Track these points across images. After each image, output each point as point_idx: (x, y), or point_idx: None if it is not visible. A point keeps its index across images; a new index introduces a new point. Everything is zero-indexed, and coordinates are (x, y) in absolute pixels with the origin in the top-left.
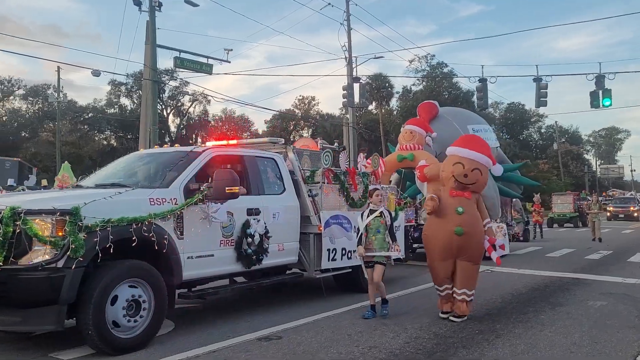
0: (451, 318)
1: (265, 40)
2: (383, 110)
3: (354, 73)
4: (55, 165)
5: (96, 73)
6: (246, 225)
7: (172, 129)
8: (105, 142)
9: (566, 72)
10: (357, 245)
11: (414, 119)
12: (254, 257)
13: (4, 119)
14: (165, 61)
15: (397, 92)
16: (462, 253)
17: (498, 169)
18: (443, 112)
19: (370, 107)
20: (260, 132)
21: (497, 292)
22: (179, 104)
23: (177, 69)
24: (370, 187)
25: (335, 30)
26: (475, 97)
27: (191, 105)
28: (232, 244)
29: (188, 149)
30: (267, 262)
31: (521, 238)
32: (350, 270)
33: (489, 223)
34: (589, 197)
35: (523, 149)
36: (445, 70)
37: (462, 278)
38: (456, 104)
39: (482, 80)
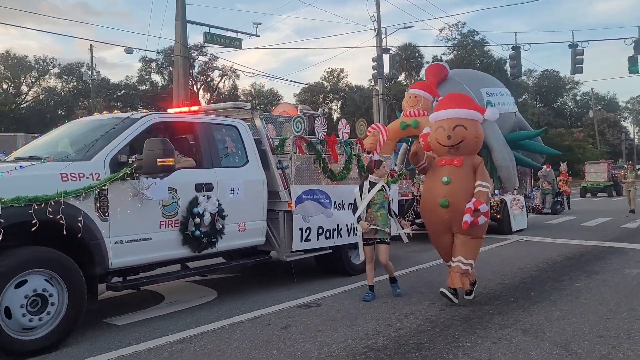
0: (444, 291)
1: (294, 13)
2: (413, 81)
3: (384, 44)
4: None
5: (129, 50)
6: (193, 203)
7: (203, 104)
8: None
9: (603, 37)
10: (358, 221)
11: (420, 82)
12: (205, 239)
13: (41, 98)
14: (195, 37)
15: (427, 62)
16: (456, 226)
17: (492, 113)
18: (453, 75)
19: (400, 78)
20: None
21: (532, 261)
22: (209, 79)
23: (207, 44)
24: (375, 158)
25: (364, 0)
26: (507, 65)
27: (221, 80)
28: (176, 225)
29: (126, 115)
30: (224, 244)
31: (544, 211)
32: (331, 251)
33: (481, 187)
34: (625, 166)
35: (557, 118)
36: (477, 38)
37: (458, 247)
38: (488, 73)
39: (516, 48)
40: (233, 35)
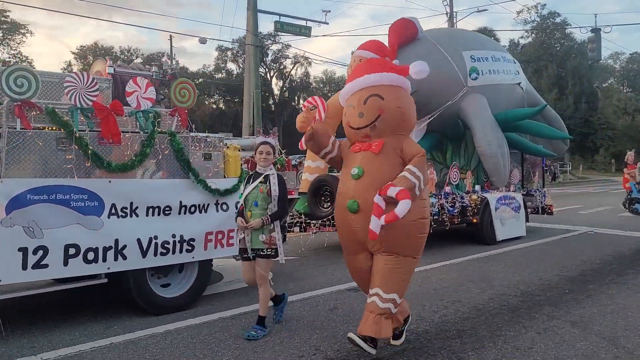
0: (352, 338)
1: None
2: None
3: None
4: None
5: (202, 41)
6: None
7: (276, 91)
8: (214, 106)
9: None
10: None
11: (369, 42)
12: None
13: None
14: (268, 25)
15: (504, 46)
16: (372, 241)
17: (418, 68)
18: (427, 34)
19: None
20: None
21: (597, 253)
22: (282, 67)
23: (278, 33)
24: (260, 140)
25: None
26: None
27: (293, 67)
28: None
29: None
30: None
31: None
32: (106, 280)
33: (408, 173)
34: None
35: None
36: (558, 20)
37: (374, 272)
38: (569, 57)
39: (595, 30)
40: (302, 23)
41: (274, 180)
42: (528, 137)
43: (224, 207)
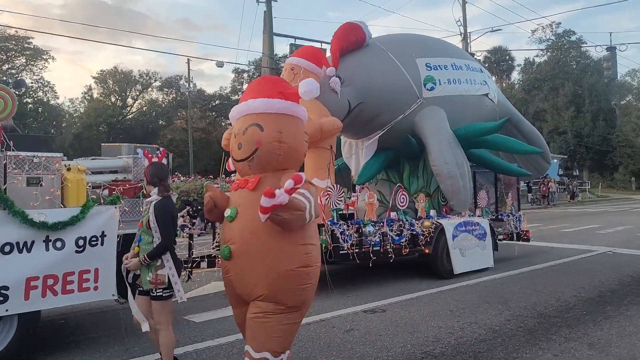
0: None
1: (383, 19)
2: (504, 85)
3: (469, 49)
4: (189, 150)
5: (219, 64)
6: None
7: None
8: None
9: None
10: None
11: (305, 48)
12: None
13: (144, 109)
14: (284, 47)
15: (519, 65)
16: (247, 291)
17: (306, 89)
18: (376, 40)
19: None
20: None
21: (615, 274)
22: None
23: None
24: (156, 159)
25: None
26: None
27: None
28: None
29: None
30: None
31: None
32: None
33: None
34: None
35: None
36: (573, 38)
37: (247, 327)
38: (586, 74)
39: (611, 49)
40: (317, 45)
41: (152, 209)
42: (501, 154)
43: (58, 244)
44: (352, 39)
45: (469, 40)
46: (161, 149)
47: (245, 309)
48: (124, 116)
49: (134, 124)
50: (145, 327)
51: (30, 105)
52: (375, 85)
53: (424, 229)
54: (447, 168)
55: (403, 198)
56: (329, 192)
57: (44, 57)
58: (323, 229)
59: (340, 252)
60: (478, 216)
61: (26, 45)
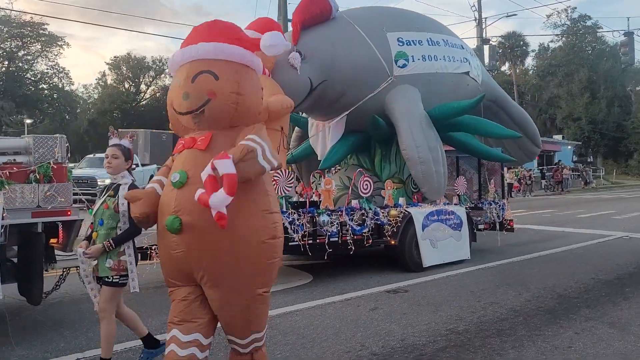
0: None
1: (395, 4)
2: (517, 71)
3: (484, 34)
4: None
5: None
6: None
7: None
8: None
9: None
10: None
11: (259, 20)
12: None
13: (157, 96)
14: None
15: (533, 51)
16: (201, 270)
17: (270, 42)
18: (344, 13)
19: (504, 68)
20: None
21: (633, 258)
22: None
23: None
24: (114, 142)
25: None
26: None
27: None
28: None
29: None
30: None
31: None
32: None
33: (249, 141)
34: None
35: None
36: (589, 23)
37: (231, 316)
38: (601, 60)
39: (628, 34)
40: None
41: (122, 192)
42: (490, 140)
43: None
44: (315, 11)
45: (483, 26)
46: (130, 132)
47: (193, 289)
48: (138, 102)
49: (147, 110)
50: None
51: (45, 91)
52: (339, 62)
53: (391, 219)
54: (419, 152)
55: (367, 184)
56: (277, 178)
57: (59, 43)
58: None
59: (290, 243)
60: (455, 204)
61: (41, 31)
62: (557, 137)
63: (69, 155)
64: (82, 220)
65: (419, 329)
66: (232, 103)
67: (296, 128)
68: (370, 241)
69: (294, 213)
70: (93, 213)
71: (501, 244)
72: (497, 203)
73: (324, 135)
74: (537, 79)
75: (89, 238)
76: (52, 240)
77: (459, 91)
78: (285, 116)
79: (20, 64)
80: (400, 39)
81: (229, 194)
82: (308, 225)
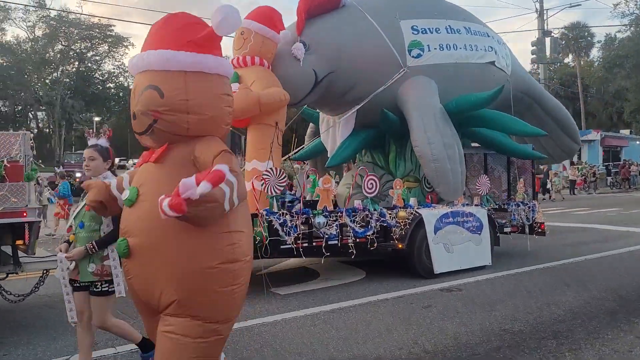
0: None
1: None
2: (582, 63)
3: (545, 26)
4: None
5: None
6: None
7: None
8: None
9: None
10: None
11: (259, 9)
12: None
13: None
14: None
15: (599, 42)
16: (157, 300)
17: (220, 17)
18: (355, 1)
19: (567, 60)
20: None
21: None
22: None
23: None
24: (93, 142)
25: None
26: None
27: None
28: None
29: None
30: None
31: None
32: None
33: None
34: None
35: None
36: None
37: (164, 351)
38: None
39: None
40: None
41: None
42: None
43: None
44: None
45: (545, 17)
46: (104, 127)
47: (156, 320)
48: None
49: None
50: (79, 325)
51: (112, 90)
52: (347, 53)
53: (399, 220)
54: (432, 149)
55: (372, 184)
56: (266, 177)
57: (125, 44)
58: (257, 219)
59: (282, 246)
60: (476, 205)
61: (108, 32)
62: (625, 132)
63: (34, 152)
64: (40, 221)
65: (472, 327)
66: (180, 122)
67: (310, 124)
68: (376, 245)
69: (286, 214)
70: (74, 216)
71: (561, 243)
72: (527, 204)
73: (334, 131)
74: (603, 70)
75: (68, 241)
76: (18, 242)
77: (483, 83)
78: (281, 110)
79: (89, 64)
80: (415, 27)
81: (211, 183)
82: (303, 227)
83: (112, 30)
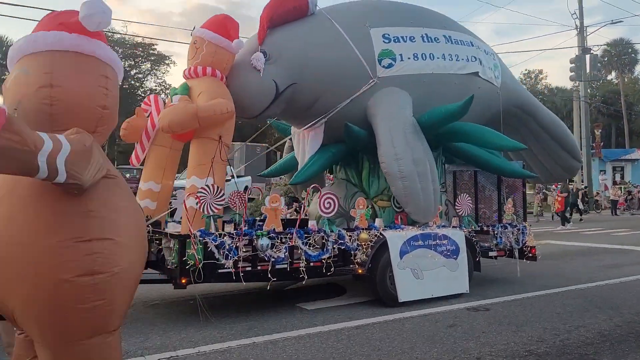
0: None
1: (491, 14)
2: (626, 80)
3: (585, 43)
4: None
5: None
6: None
7: None
8: None
9: None
10: None
11: (213, 18)
12: None
13: None
14: None
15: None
16: (14, 318)
17: (93, 11)
18: (323, 9)
19: (610, 77)
20: None
21: None
22: None
23: None
24: None
25: None
26: None
27: None
28: None
29: None
30: None
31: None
32: None
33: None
34: None
35: None
36: None
37: None
38: None
39: None
40: None
41: None
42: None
43: None
44: (288, 7)
45: (585, 34)
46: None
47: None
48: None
49: (244, 124)
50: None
51: None
52: (311, 63)
53: (361, 243)
54: (400, 165)
55: (329, 203)
56: (201, 195)
57: (167, 62)
58: (189, 241)
59: (219, 270)
60: (453, 227)
61: (151, 51)
62: None
63: None
64: None
65: (497, 348)
66: (43, 100)
67: (289, 139)
68: (333, 269)
69: (224, 235)
70: None
71: (598, 265)
72: (516, 226)
73: (304, 146)
74: None
75: None
76: None
77: (467, 95)
78: (227, 123)
79: (133, 82)
80: (386, 35)
81: None
82: (245, 249)
83: (155, 49)
